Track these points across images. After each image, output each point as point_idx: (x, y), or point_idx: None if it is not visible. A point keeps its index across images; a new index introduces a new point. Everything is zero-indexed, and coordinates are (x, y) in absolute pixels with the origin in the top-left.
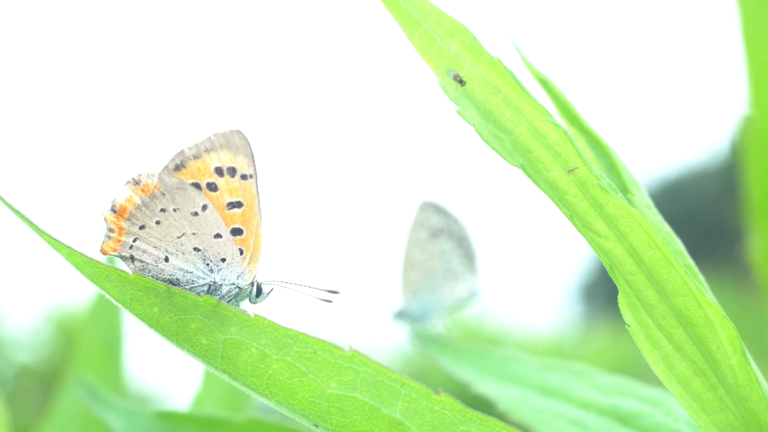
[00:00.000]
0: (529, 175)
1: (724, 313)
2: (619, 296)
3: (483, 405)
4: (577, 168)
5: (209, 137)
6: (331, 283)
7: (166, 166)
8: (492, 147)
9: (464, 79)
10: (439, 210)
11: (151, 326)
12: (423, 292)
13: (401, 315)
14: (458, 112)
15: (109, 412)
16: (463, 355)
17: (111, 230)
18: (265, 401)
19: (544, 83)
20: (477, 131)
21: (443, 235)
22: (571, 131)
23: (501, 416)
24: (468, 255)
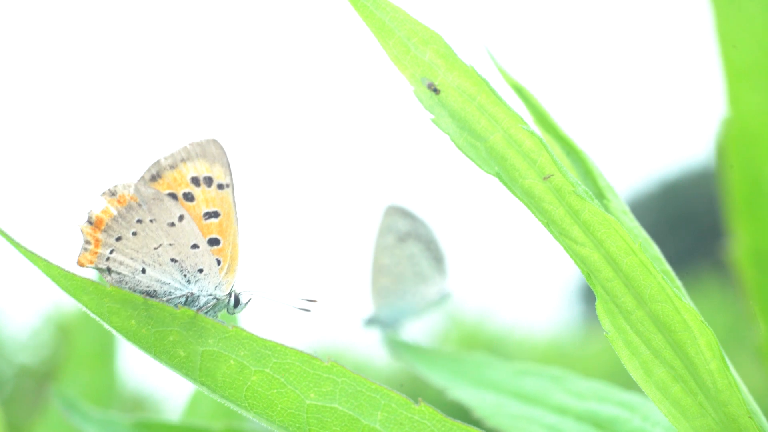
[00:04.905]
0: (505, 183)
1: (702, 318)
2: (596, 303)
3: (460, 410)
4: (552, 175)
5: (185, 147)
6: (308, 293)
7: (143, 177)
8: (467, 155)
9: (438, 87)
10: (405, 214)
11: (128, 339)
12: (393, 297)
13: (372, 321)
14: (433, 121)
15: (86, 422)
16: (437, 361)
17: (88, 242)
18: (244, 413)
19: (519, 90)
20: (452, 139)
21: (411, 239)
22: (546, 138)
23: (477, 423)
24: (436, 257)
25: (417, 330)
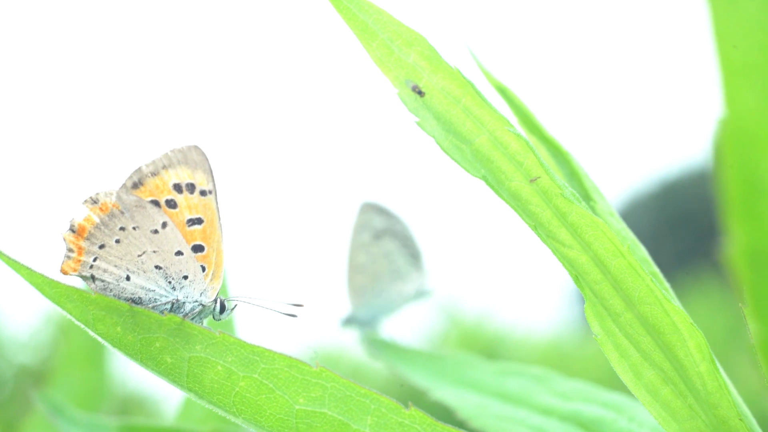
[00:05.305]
0: (491, 186)
1: (692, 320)
2: (585, 306)
3: (445, 411)
4: (539, 177)
5: (167, 153)
6: (294, 297)
7: (124, 184)
8: (453, 158)
9: (423, 89)
10: (380, 211)
11: (114, 346)
12: (370, 295)
13: (350, 321)
14: (418, 124)
15: (71, 425)
16: (417, 360)
17: (70, 250)
18: (233, 419)
19: (503, 92)
20: (437, 142)
21: (387, 236)
22: (532, 140)
23: (461, 424)
24: (413, 254)
25: (412, 331)
